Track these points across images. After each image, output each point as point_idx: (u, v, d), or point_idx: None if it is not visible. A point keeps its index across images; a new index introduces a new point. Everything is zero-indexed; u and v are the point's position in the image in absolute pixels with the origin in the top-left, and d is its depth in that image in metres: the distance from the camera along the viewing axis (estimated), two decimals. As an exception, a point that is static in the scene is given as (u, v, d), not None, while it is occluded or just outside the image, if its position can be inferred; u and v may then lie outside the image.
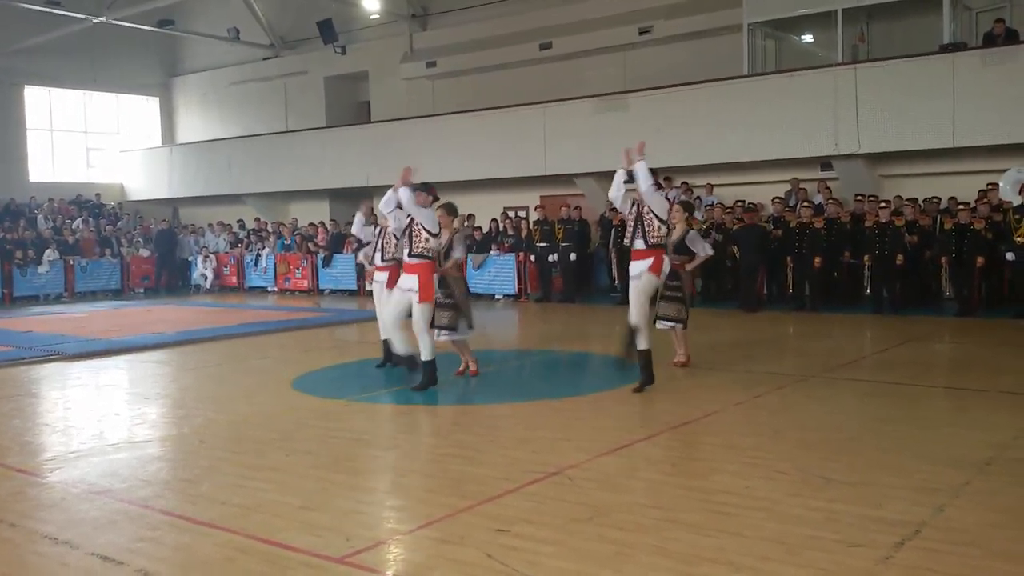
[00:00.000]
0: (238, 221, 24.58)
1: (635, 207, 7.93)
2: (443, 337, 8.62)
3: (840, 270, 14.58)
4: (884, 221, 13.35)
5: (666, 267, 8.11)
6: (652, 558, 4.03)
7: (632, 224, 7.93)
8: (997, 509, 4.58)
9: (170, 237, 23.72)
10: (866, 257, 13.96)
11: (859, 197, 15.02)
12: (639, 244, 7.87)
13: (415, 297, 8.14)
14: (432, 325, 8.38)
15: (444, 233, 8.54)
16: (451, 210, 8.71)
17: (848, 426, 6.50)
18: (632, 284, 7.92)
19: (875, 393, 7.85)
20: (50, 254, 21.08)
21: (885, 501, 4.70)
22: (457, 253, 8.57)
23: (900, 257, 13.14)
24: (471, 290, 17.90)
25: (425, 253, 8.20)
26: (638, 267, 7.86)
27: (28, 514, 4.96)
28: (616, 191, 7.91)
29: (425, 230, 8.19)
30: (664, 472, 5.47)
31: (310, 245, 21.10)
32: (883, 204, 13.82)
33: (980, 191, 13.83)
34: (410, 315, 8.27)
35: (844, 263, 14.39)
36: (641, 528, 4.42)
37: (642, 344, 7.81)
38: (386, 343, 9.39)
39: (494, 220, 19.07)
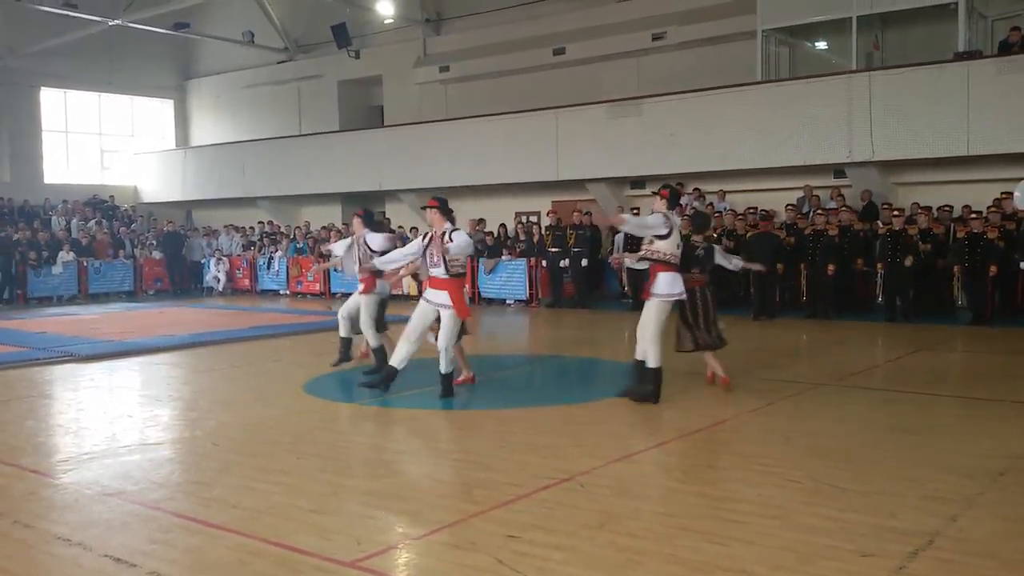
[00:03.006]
0: (259, 222, 24.66)
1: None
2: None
3: (853, 278, 14.52)
4: (898, 229, 13.30)
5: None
6: (664, 566, 4.02)
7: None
8: (1011, 519, 4.56)
9: (177, 239, 23.83)
10: (879, 265, 13.89)
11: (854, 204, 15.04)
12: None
13: (451, 311, 7.98)
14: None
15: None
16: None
17: (861, 435, 6.47)
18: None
19: (888, 402, 7.82)
20: (64, 255, 21.21)
21: (898, 510, 4.68)
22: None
23: (910, 259, 13.07)
24: (483, 295, 18.10)
25: (459, 271, 8.16)
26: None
27: (42, 515, 4.99)
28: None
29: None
30: (676, 479, 5.46)
31: (322, 248, 21.15)
32: (896, 212, 13.78)
33: (994, 199, 13.77)
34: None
35: (857, 271, 14.34)
36: (653, 535, 4.41)
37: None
38: (345, 341, 9.74)
39: (503, 225, 19.08)
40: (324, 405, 8.09)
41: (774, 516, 4.64)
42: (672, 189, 7.97)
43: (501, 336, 14.02)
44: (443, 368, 8.10)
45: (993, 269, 12.72)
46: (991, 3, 16.18)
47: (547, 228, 17.91)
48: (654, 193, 8.28)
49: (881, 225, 14.50)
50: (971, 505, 4.78)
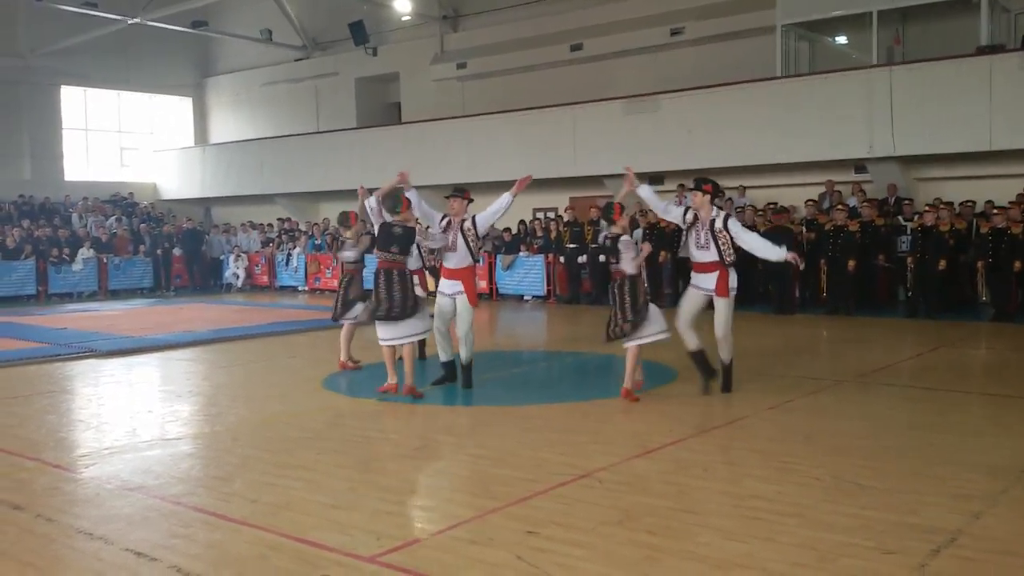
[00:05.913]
0: (277, 219, 24.74)
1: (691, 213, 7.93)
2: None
3: (874, 273, 14.40)
4: (929, 225, 13.18)
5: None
6: (683, 562, 4.00)
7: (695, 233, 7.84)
8: (1035, 518, 4.51)
9: (196, 236, 23.95)
10: (909, 260, 13.73)
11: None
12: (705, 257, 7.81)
13: (464, 299, 8.17)
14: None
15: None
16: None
17: (882, 432, 6.42)
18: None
19: (910, 399, 7.76)
20: (84, 252, 21.36)
21: (920, 508, 4.64)
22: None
23: (943, 262, 12.97)
24: (500, 291, 18.11)
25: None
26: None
27: (63, 509, 5.03)
28: (656, 205, 8.30)
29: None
30: (695, 476, 5.43)
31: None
32: (927, 207, 13.65)
33: (1017, 195, 13.63)
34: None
35: (878, 266, 14.22)
36: (671, 532, 4.39)
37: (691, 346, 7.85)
38: None
39: (523, 221, 19.06)
40: (342, 401, 8.11)
41: (794, 513, 4.61)
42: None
43: (519, 332, 14.02)
44: (464, 357, 8.24)
45: (1017, 264, 12.59)
46: (1013, -4, 16.03)
47: (565, 224, 17.87)
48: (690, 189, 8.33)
49: (902, 220, 14.38)
50: (995, 503, 4.73)
